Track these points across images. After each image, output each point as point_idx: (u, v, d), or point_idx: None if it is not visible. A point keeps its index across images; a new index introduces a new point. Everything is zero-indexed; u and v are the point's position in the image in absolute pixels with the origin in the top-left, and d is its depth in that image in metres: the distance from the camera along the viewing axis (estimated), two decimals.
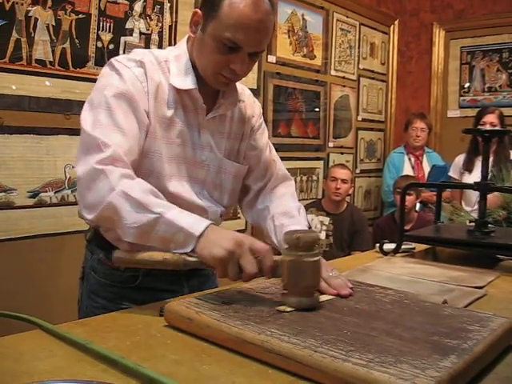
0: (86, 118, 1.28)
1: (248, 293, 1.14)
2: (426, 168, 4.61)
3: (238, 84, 1.49)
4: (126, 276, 1.46)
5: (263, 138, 1.64)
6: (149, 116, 1.32)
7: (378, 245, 1.89)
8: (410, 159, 4.69)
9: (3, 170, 2.44)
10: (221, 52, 1.27)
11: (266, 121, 3.78)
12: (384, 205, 4.96)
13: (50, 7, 2.55)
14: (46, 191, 2.60)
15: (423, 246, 1.97)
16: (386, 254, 1.84)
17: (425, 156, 4.74)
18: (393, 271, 1.57)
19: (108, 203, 1.18)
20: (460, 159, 3.99)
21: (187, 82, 1.36)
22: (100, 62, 2.74)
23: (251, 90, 3.63)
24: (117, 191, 1.17)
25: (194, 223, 1.14)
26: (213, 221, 1.32)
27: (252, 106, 1.60)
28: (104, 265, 1.48)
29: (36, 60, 2.52)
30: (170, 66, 1.37)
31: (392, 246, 1.86)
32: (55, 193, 2.63)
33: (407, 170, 4.61)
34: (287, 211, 1.53)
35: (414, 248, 1.93)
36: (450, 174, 4.06)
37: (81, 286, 1.59)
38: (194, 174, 1.43)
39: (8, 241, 2.46)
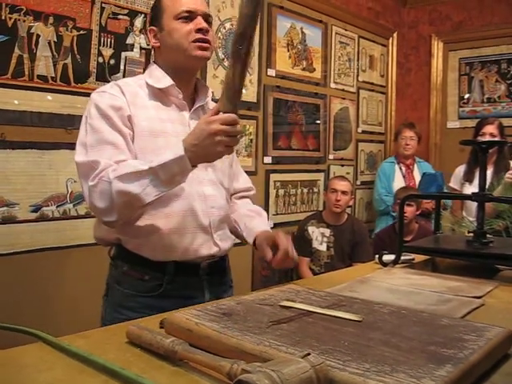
0: (77, 151, 1.48)
1: (247, 304, 1.15)
2: (417, 177, 4.64)
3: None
4: (151, 285, 1.55)
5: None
6: (132, 119, 1.51)
7: (377, 256, 1.90)
8: (400, 168, 4.73)
9: (5, 185, 2.46)
10: (185, 23, 1.55)
11: (266, 133, 3.84)
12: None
13: (51, 24, 2.58)
14: (48, 205, 2.61)
15: (423, 257, 1.98)
16: (385, 265, 1.85)
17: (415, 165, 4.78)
18: (392, 282, 1.58)
19: (115, 193, 1.37)
20: (460, 170, 4.01)
21: (165, 82, 1.59)
22: (101, 77, 2.77)
23: (251, 103, 3.70)
24: (113, 182, 1.37)
25: (174, 151, 1.34)
26: (220, 207, 1.63)
27: None
28: (128, 276, 1.58)
29: (38, 76, 2.54)
30: (146, 79, 1.61)
31: (391, 257, 1.87)
32: (57, 207, 2.64)
33: (398, 179, 4.66)
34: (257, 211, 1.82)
35: (413, 259, 1.93)
36: (451, 184, 4.08)
37: (104, 303, 1.65)
38: None
39: (10, 255, 2.47)
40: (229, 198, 1.72)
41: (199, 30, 1.54)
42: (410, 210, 3.76)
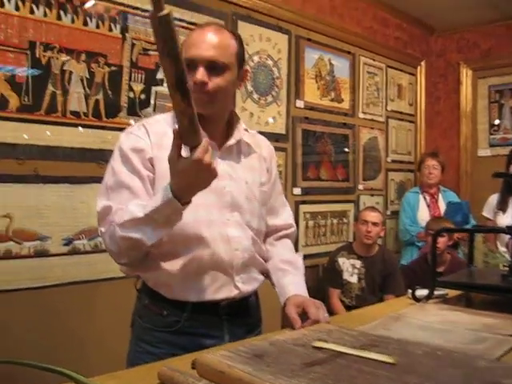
0: (99, 192, 1.51)
1: (280, 345, 1.14)
2: (442, 206, 4.60)
3: (252, 131, 1.74)
4: (169, 321, 1.54)
5: (278, 184, 1.84)
6: (154, 161, 1.50)
7: (410, 291, 1.87)
8: (424, 198, 4.68)
9: (38, 219, 2.50)
10: (188, 70, 1.42)
11: (295, 165, 3.84)
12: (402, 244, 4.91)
13: (83, 60, 2.64)
14: (80, 239, 2.64)
15: (456, 291, 1.94)
16: (418, 300, 1.82)
17: (440, 194, 4.72)
18: (425, 319, 1.55)
19: (119, 238, 1.40)
20: (493, 198, 3.96)
21: None
22: (132, 112, 2.82)
23: (279, 135, 3.72)
24: (116, 228, 1.40)
25: (164, 194, 1.32)
26: (244, 249, 1.58)
27: (268, 147, 1.79)
28: (149, 310, 1.58)
29: (70, 111, 2.60)
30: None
31: (424, 292, 1.84)
32: (89, 240, 2.67)
33: (422, 209, 4.62)
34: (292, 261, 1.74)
35: (446, 294, 1.90)
36: (484, 213, 4.04)
37: (131, 335, 1.66)
38: (220, 201, 1.55)
39: (42, 288, 2.49)
40: (258, 239, 1.66)
41: (194, 83, 1.44)
42: (442, 241, 3.69)
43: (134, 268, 1.55)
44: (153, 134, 1.53)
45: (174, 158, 1.26)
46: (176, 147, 1.26)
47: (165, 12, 1.07)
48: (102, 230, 1.47)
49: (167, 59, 1.12)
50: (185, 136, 1.24)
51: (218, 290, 1.53)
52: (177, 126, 1.50)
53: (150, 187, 1.50)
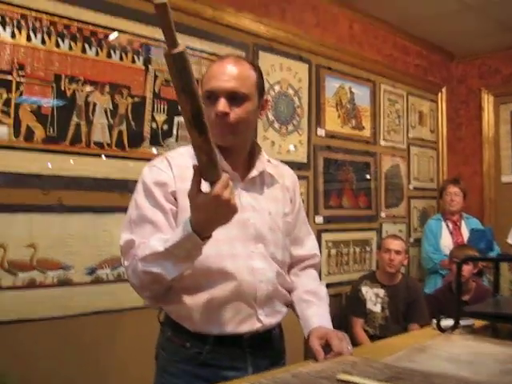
0: (123, 226, 1.53)
1: (303, 377, 1.13)
2: (465, 233, 4.54)
3: (274, 162, 1.75)
4: (192, 353, 1.53)
5: (302, 213, 1.83)
6: (177, 194, 1.50)
7: (434, 321, 1.84)
8: (447, 225, 4.63)
9: (62, 248, 2.52)
10: (207, 105, 1.47)
11: (317, 193, 3.83)
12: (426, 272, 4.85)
13: (107, 92, 2.69)
14: (103, 268, 2.66)
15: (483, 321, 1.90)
16: (443, 330, 1.79)
17: (463, 221, 4.67)
18: (451, 350, 1.52)
19: (141, 272, 1.41)
20: None
21: None
22: (155, 142, 2.85)
23: (301, 163, 3.72)
24: (138, 262, 1.40)
25: (183, 228, 1.31)
26: (268, 281, 1.56)
27: (291, 177, 1.79)
28: (172, 342, 1.58)
29: (94, 142, 2.64)
30: None
31: (450, 322, 1.81)
32: (112, 270, 2.68)
33: (445, 236, 4.57)
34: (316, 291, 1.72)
35: (473, 324, 1.86)
36: (509, 240, 3.99)
37: (156, 366, 1.66)
38: (244, 234, 1.55)
39: (65, 318, 2.50)
40: (283, 271, 1.65)
41: (216, 114, 1.47)
42: (466, 269, 3.64)
43: (156, 301, 1.55)
44: (175, 167, 1.54)
45: (194, 194, 1.26)
46: (196, 183, 1.26)
47: (179, 49, 1.08)
48: (126, 263, 1.48)
49: (182, 95, 1.14)
50: (204, 171, 1.24)
51: (241, 323, 1.52)
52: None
53: (173, 220, 1.49)
